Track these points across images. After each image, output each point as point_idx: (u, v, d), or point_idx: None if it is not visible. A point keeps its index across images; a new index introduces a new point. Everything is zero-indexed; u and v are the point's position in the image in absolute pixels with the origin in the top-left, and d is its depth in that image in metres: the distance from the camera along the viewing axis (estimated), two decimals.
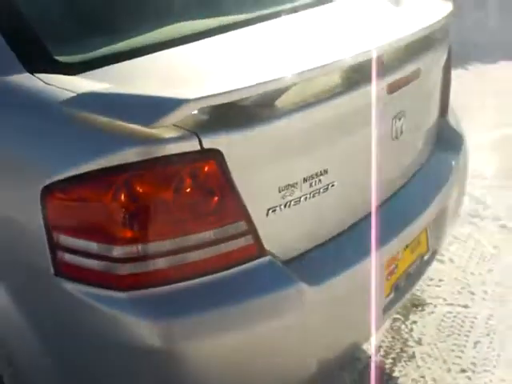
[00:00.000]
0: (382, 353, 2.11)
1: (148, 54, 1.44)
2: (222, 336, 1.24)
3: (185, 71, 1.36)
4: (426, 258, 1.81)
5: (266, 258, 1.29)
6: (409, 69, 1.54)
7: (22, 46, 1.37)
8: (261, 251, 1.28)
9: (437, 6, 1.82)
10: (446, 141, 1.93)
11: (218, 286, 1.24)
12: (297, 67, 1.25)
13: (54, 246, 1.21)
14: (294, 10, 1.80)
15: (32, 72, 1.33)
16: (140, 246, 1.17)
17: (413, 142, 1.73)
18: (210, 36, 1.53)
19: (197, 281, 1.22)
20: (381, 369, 2.05)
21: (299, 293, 1.30)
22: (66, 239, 1.20)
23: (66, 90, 1.26)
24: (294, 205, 1.32)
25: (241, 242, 1.25)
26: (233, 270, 1.25)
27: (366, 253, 1.44)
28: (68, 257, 1.21)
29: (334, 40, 1.49)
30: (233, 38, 1.57)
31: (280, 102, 1.24)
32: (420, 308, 2.32)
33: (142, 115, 1.11)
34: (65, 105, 1.20)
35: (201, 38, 1.50)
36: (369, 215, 1.52)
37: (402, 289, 1.69)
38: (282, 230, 1.31)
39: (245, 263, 1.26)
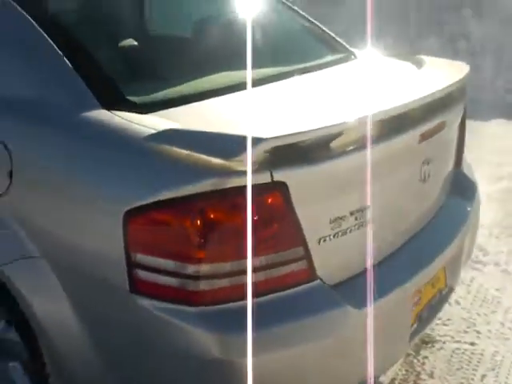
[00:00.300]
0: None
1: (209, 98, 1.62)
2: (276, 351, 1.38)
3: (246, 114, 1.54)
4: (443, 293, 1.97)
5: (317, 282, 1.44)
6: (436, 121, 1.74)
7: (99, 87, 1.55)
8: (313, 275, 1.44)
9: (456, 67, 2.04)
10: (462, 188, 2.12)
11: (275, 306, 1.39)
12: (348, 116, 1.43)
13: (132, 265, 1.35)
14: (334, 63, 2.01)
15: (108, 110, 1.51)
16: (210, 266, 1.32)
17: (435, 186, 1.91)
18: (266, 83, 1.72)
19: (256, 300, 1.37)
20: None
21: (345, 314, 1.45)
22: (142, 258, 1.35)
23: (141, 125, 1.43)
24: (341, 235, 1.48)
25: (297, 266, 1.40)
26: (289, 292, 1.40)
27: (397, 283, 1.60)
28: (143, 274, 1.35)
29: (375, 93, 1.68)
30: (284, 86, 1.77)
31: (335, 144, 1.42)
32: (430, 344, 2.46)
33: (222, 150, 1.28)
34: (147, 139, 1.37)
35: (258, 85, 1.69)
36: (400, 249, 1.69)
37: (424, 320, 1.84)
38: (330, 257, 1.47)
39: (299, 285, 1.41)
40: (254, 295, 1.35)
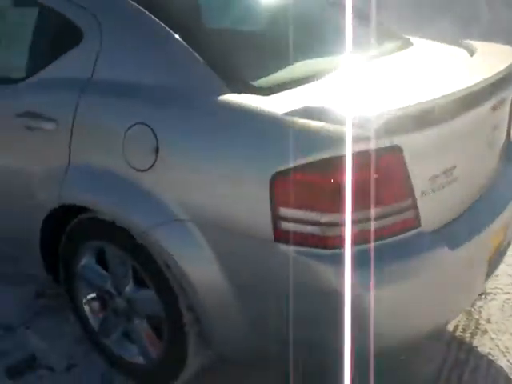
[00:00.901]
0: (460, 329, 2.56)
1: (312, 81, 1.93)
2: (391, 285, 1.69)
3: (353, 92, 1.84)
4: (505, 244, 2.28)
5: (421, 229, 1.75)
6: (500, 96, 2.05)
7: (227, 75, 1.85)
8: (418, 223, 1.75)
9: (505, 50, 2.35)
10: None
11: (390, 248, 1.70)
12: (441, 92, 1.74)
13: (276, 218, 1.66)
14: (399, 49, 2.33)
15: (238, 93, 1.81)
16: (342, 216, 1.63)
17: (496, 152, 2.22)
18: (353, 68, 2.03)
19: (375, 244, 1.68)
20: (462, 341, 2.50)
21: (443, 254, 1.76)
22: (285, 212, 1.65)
23: (273, 104, 1.73)
24: (437, 190, 1.80)
25: (407, 215, 1.72)
26: (400, 236, 1.71)
27: (480, 228, 1.91)
28: (286, 225, 1.66)
29: (448, 74, 1.98)
30: (369, 70, 2.08)
31: (435, 115, 1.72)
32: (483, 296, 2.79)
33: (351, 121, 1.59)
34: (286, 115, 1.67)
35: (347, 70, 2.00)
36: (478, 200, 2.00)
37: (493, 265, 2.15)
38: (428, 208, 1.78)
39: (408, 231, 1.73)
40: (375, 239, 1.67)
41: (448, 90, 1.77)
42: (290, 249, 1.66)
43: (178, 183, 1.82)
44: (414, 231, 1.74)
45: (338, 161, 1.60)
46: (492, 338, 2.51)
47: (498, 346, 2.46)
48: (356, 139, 1.60)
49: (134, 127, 1.86)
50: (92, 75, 2.02)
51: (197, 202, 1.79)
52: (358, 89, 1.86)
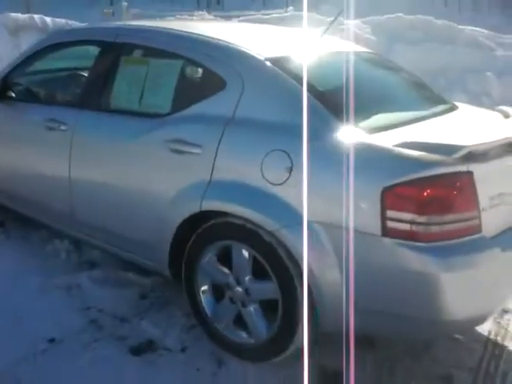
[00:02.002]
0: (493, 335, 3.18)
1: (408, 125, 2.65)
2: (461, 270, 2.34)
3: (437, 135, 2.55)
4: None
5: (482, 234, 2.42)
6: None
7: (341, 119, 2.56)
8: (480, 229, 2.41)
9: None
10: None
11: (462, 245, 2.36)
12: (496, 137, 2.47)
13: (384, 218, 2.32)
14: (449, 111, 3.10)
15: (348, 131, 2.51)
16: (435, 218, 2.30)
17: None
18: (424, 120, 2.78)
19: (453, 241, 2.34)
20: (495, 343, 3.11)
21: (495, 254, 2.42)
22: (391, 213, 2.31)
23: (379, 140, 2.44)
24: (493, 207, 2.48)
25: (474, 222, 2.39)
26: (469, 238, 2.38)
27: None
28: (391, 224, 2.32)
29: (492, 129, 2.72)
30: (435, 123, 2.82)
31: (494, 151, 2.44)
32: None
33: (442, 152, 2.29)
34: (388, 146, 2.37)
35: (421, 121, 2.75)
36: None
37: None
38: (487, 219, 2.45)
39: (474, 234, 2.39)
40: (452, 237, 2.33)
41: (499, 137, 2.49)
42: (395, 241, 2.32)
43: (309, 193, 2.47)
44: (478, 235, 2.40)
45: (428, 179, 2.29)
46: None
47: None
48: (442, 164, 2.29)
49: (272, 152, 2.54)
50: (234, 113, 2.72)
51: (321, 209, 2.45)
52: (436, 133, 2.58)
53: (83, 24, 6.92)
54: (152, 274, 3.49)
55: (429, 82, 3.72)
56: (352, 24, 9.01)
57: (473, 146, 2.35)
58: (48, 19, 10.19)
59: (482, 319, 2.54)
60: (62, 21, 10.35)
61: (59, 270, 3.66)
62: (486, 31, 9.19)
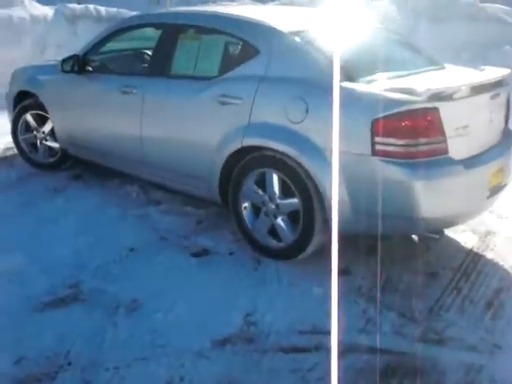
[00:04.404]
0: (476, 248, 4.03)
1: (399, 78, 3.53)
2: (430, 180, 3.22)
3: (417, 82, 3.41)
4: (502, 184, 3.76)
5: (449, 155, 3.29)
6: (497, 91, 3.60)
7: (345, 74, 3.45)
8: (446, 151, 3.28)
9: (501, 70, 3.92)
10: (507, 135, 3.96)
11: (432, 162, 3.23)
12: (465, 82, 3.33)
13: (373, 142, 3.21)
14: (441, 68, 3.96)
15: (351, 82, 3.41)
16: (414, 141, 3.17)
17: (497, 126, 3.76)
18: (421, 73, 3.67)
19: (424, 159, 3.21)
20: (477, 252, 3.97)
21: (459, 170, 3.28)
22: (378, 139, 3.20)
23: (373, 87, 3.33)
24: (459, 136, 3.33)
25: (441, 145, 3.25)
26: (437, 157, 3.25)
27: (487, 161, 3.44)
28: (379, 146, 3.20)
29: (470, 77, 3.57)
30: (429, 75, 3.69)
31: (460, 93, 3.29)
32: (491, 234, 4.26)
33: (417, 93, 3.16)
34: (379, 90, 3.26)
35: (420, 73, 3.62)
36: (485, 150, 3.54)
37: (492, 193, 3.64)
38: (453, 146, 3.31)
39: (442, 155, 3.26)
40: (425, 156, 3.21)
41: (467, 82, 3.36)
42: (383, 159, 3.21)
43: (318, 129, 3.39)
44: (445, 155, 3.27)
45: (405, 113, 3.17)
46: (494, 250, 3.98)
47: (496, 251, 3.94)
48: (415, 102, 3.17)
49: (293, 99, 3.47)
50: (266, 73, 3.66)
51: (327, 138, 3.35)
52: (416, 82, 3.45)
53: (134, 12, 8.02)
54: (205, 206, 4.48)
55: (452, 57, 4.56)
56: (379, 4, 9.79)
57: (437, 88, 3.22)
58: (102, 9, 11.31)
59: (449, 222, 3.43)
60: (113, 9, 11.47)
61: (132, 205, 4.69)
62: (506, 7, 9.81)
